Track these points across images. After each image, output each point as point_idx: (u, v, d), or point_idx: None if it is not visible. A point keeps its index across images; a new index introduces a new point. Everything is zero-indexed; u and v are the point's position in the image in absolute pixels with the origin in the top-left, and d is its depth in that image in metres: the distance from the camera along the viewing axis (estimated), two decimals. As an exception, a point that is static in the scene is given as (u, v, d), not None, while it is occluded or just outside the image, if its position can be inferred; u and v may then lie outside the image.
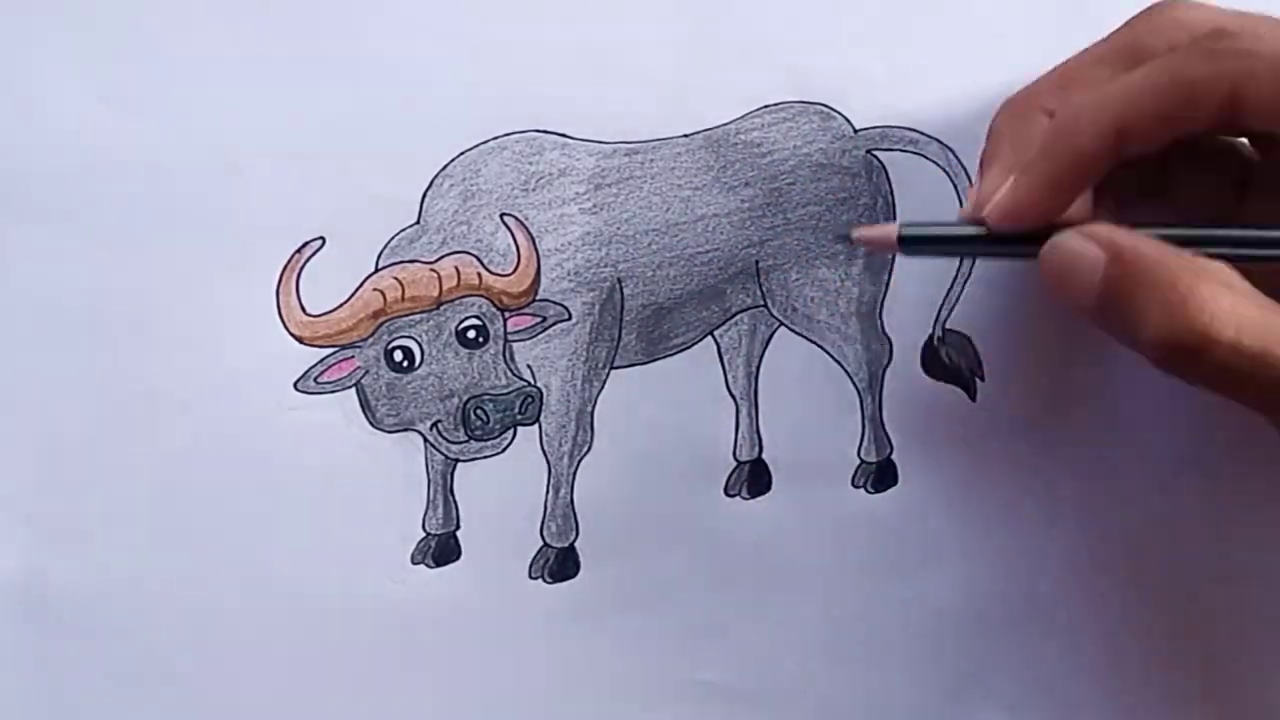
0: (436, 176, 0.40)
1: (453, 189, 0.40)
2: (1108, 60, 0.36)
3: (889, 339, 0.42)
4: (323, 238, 0.40)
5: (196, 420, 0.39)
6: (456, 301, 0.40)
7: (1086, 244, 0.34)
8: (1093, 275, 0.34)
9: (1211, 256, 0.34)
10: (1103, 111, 0.34)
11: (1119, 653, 0.43)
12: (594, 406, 0.41)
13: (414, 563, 0.40)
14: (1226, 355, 0.32)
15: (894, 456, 0.42)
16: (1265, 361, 0.32)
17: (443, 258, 0.40)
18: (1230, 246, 0.35)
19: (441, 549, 0.40)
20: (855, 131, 0.42)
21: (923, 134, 0.42)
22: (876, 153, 0.42)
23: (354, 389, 0.40)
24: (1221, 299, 0.32)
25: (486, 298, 0.40)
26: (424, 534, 0.40)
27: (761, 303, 0.42)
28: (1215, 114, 0.34)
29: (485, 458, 0.41)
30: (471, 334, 0.40)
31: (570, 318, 0.41)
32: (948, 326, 0.43)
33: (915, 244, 0.37)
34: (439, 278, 0.40)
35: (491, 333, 0.40)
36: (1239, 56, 0.33)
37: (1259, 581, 0.43)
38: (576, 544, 0.41)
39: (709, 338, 0.42)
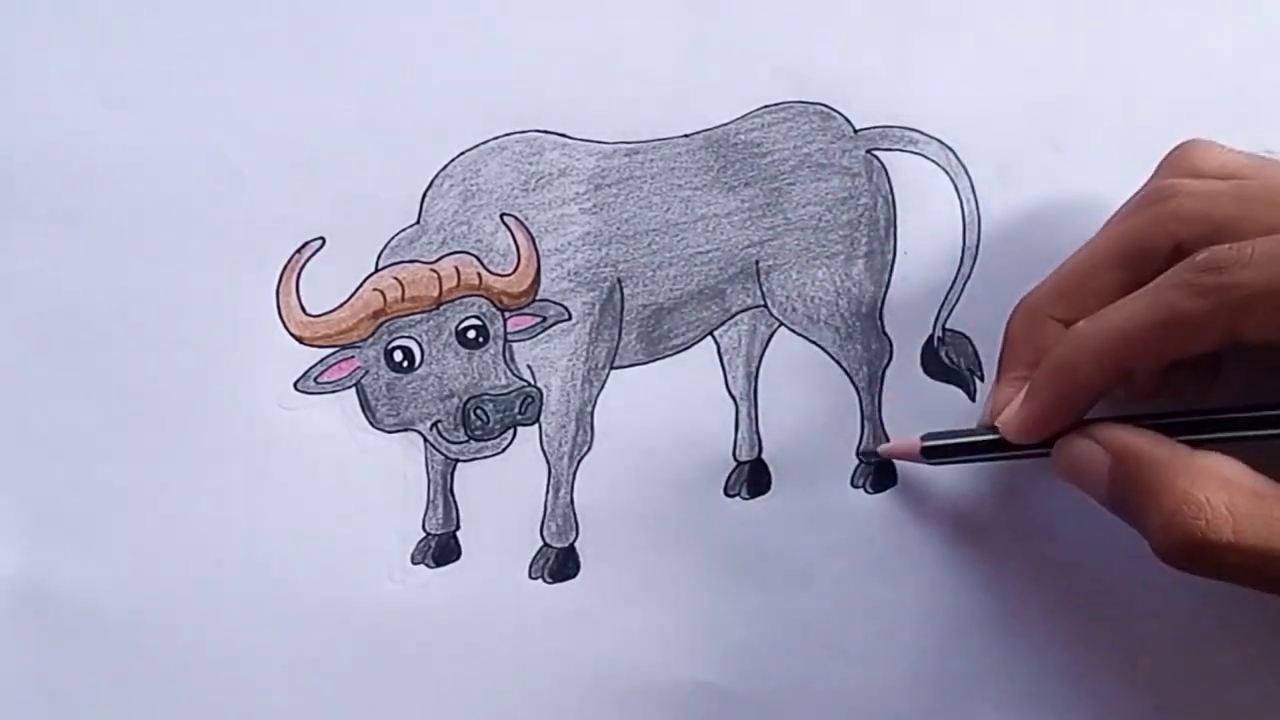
0: (436, 176, 0.40)
1: (453, 189, 0.40)
2: (1111, 265, 0.37)
3: (889, 339, 0.42)
4: (323, 238, 0.40)
5: (196, 420, 0.39)
6: (456, 301, 0.40)
7: (1093, 447, 0.36)
8: (1100, 474, 0.36)
9: (1214, 441, 0.35)
10: (1103, 350, 0.35)
11: (1120, 652, 0.43)
12: (594, 406, 0.41)
13: (414, 563, 0.40)
14: (1226, 555, 0.33)
15: (894, 456, 0.42)
16: (1267, 555, 0.33)
17: (443, 258, 0.40)
18: (1231, 430, 0.36)
19: (441, 549, 0.40)
20: (855, 131, 0.42)
21: (923, 134, 0.42)
22: (876, 153, 0.42)
23: (354, 389, 0.40)
24: (1217, 499, 0.33)
25: (486, 298, 0.40)
26: (424, 534, 0.40)
27: (761, 303, 0.42)
28: (1214, 344, 0.34)
29: (485, 458, 0.40)
30: (471, 334, 0.40)
31: (570, 318, 0.41)
32: (948, 326, 0.42)
33: (938, 453, 0.40)
34: (439, 278, 0.40)
35: (491, 333, 0.40)
36: (1231, 291, 0.33)
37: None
38: (576, 544, 0.41)
39: (709, 338, 0.42)
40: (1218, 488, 0.33)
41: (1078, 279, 0.38)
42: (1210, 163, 0.38)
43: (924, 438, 0.40)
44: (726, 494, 0.41)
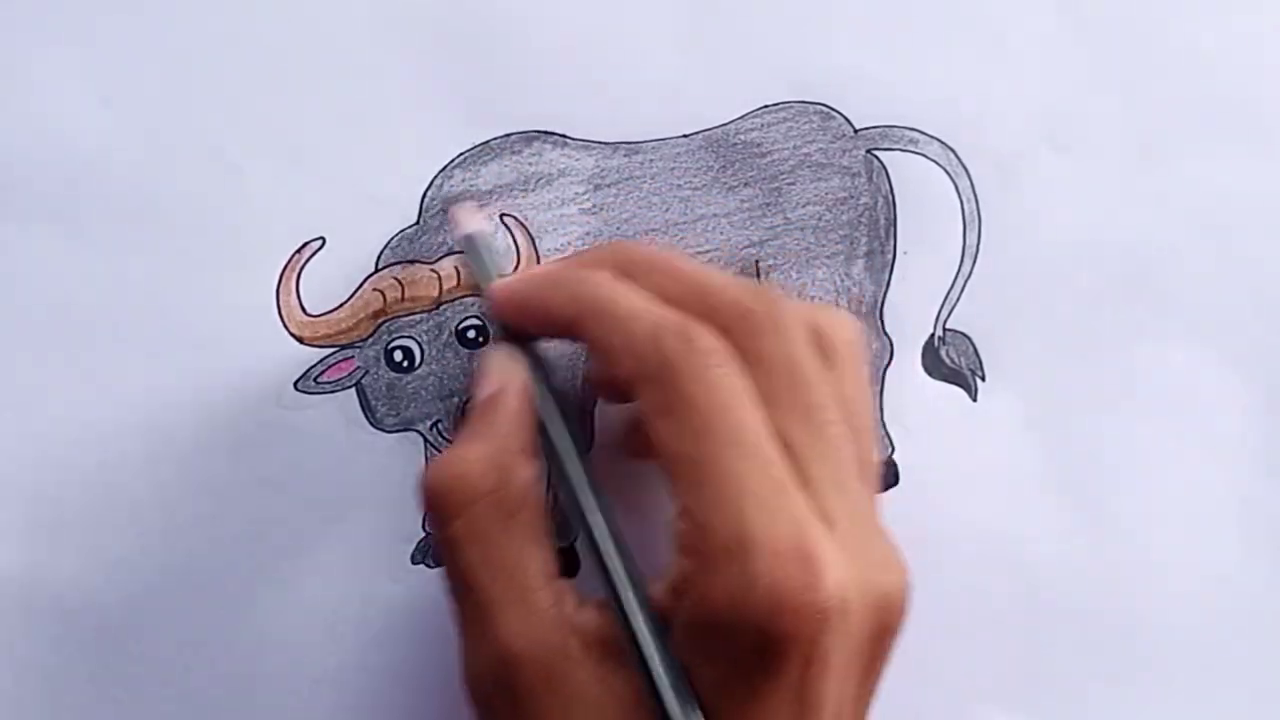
0: (436, 176, 0.40)
1: (453, 189, 0.40)
2: (685, 288, 0.36)
3: (889, 338, 0.42)
4: (323, 238, 0.40)
5: (196, 420, 0.39)
6: (456, 301, 0.40)
7: (500, 367, 0.36)
8: (481, 390, 0.36)
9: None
10: (572, 299, 0.35)
11: (1123, 651, 0.43)
12: (594, 406, 0.41)
13: (414, 563, 0.40)
14: (441, 531, 0.34)
15: (894, 456, 0.42)
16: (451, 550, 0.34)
17: (443, 258, 0.40)
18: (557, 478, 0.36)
19: (441, 549, 0.40)
20: (855, 131, 0.42)
21: (923, 133, 0.42)
22: (876, 152, 0.42)
23: (354, 389, 0.40)
24: (479, 484, 0.34)
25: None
26: (424, 534, 0.40)
27: (761, 303, 0.42)
28: (627, 384, 0.34)
29: (485, 457, 0.40)
30: (471, 334, 0.40)
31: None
32: (948, 326, 0.42)
33: (470, 249, 0.39)
34: (439, 278, 0.40)
35: (492, 333, 0.40)
36: (664, 364, 0.33)
37: (1267, 576, 0.43)
38: (576, 544, 0.41)
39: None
40: (493, 481, 0.34)
41: (660, 266, 0.36)
42: (840, 335, 0.36)
43: (477, 233, 0.39)
44: (726, 494, 0.41)
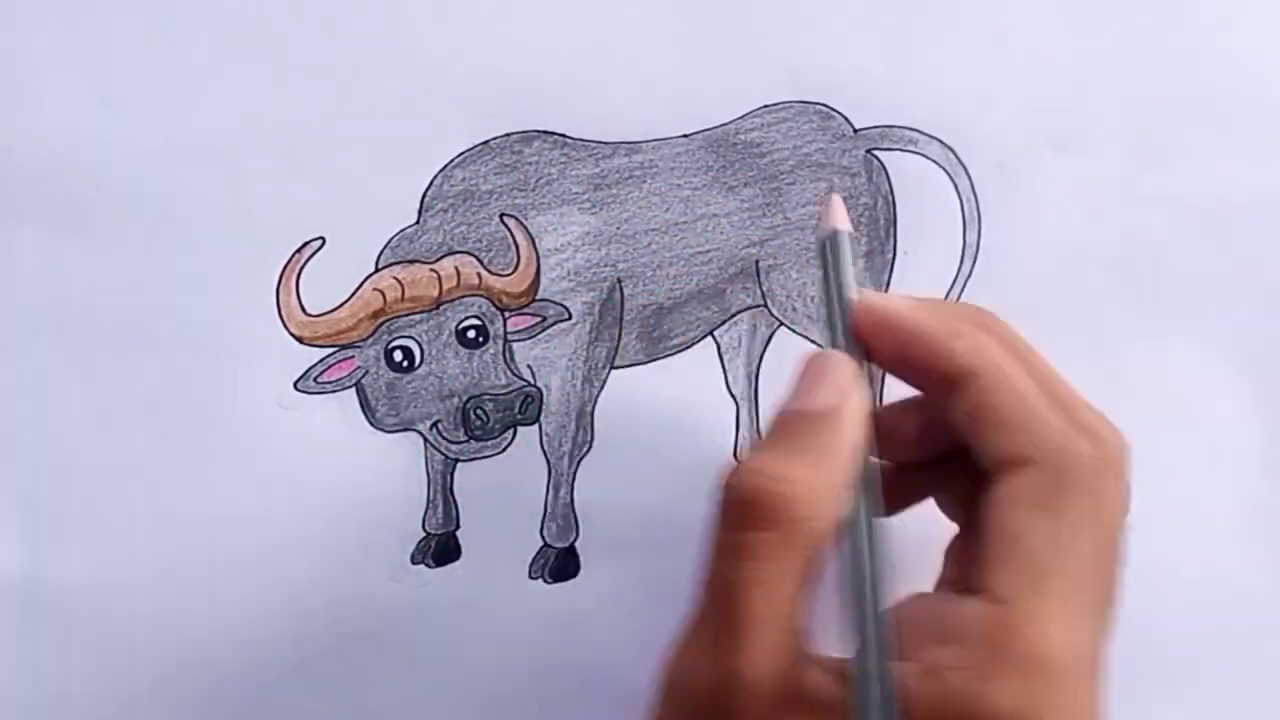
0: (436, 176, 0.40)
1: (452, 189, 0.40)
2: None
3: (889, 339, 0.42)
4: (323, 238, 0.40)
5: (196, 420, 0.39)
6: (456, 301, 0.40)
7: (846, 380, 0.33)
8: (815, 400, 0.33)
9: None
10: (966, 353, 0.34)
11: (1123, 651, 0.43)
12: (594, 406, 0.41)
13: (414, 563, 0.40)
14: (730, 528, 0.32)
15: (894, 456, 0.42)
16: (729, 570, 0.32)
17: (443, 258, 0.40)
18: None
19: (441, 549, 0.40)
20: (855, 131, 0.42)
21: (923, 133, 0.42)
22: (876, 152, 0.42)
23: (354, 389, 0.40)
24: (793, 506, 0.31)
25: (486, 298, 0.40)
26: (424, 534, 0.40)
27: (761, 303, 0.42)
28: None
29: (485, 458, 0.40)
30: (471, 334, 0.40)
31: (570, 318, 0.41)
32: (948, 326, 0.42)
33: (829, 251, 0.35)
34: (439, 278, 0.40)
35: (491, 333, 0.40)
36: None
37: (1267, 576, 0.43)
38: (576, 544, 0.41)
39: (709, 338, 0.42)
40: (810, 511, 0.31)
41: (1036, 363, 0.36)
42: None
43: (844, 233, 0.35)
44: (727, 494, 0.41)
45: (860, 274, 0.42)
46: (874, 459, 0.33)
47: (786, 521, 0.31)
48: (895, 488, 0.36)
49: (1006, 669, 0.30)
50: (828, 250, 0.35)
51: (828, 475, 0.32)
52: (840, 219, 0.35)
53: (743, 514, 0.31)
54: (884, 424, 0.35)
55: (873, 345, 0.34)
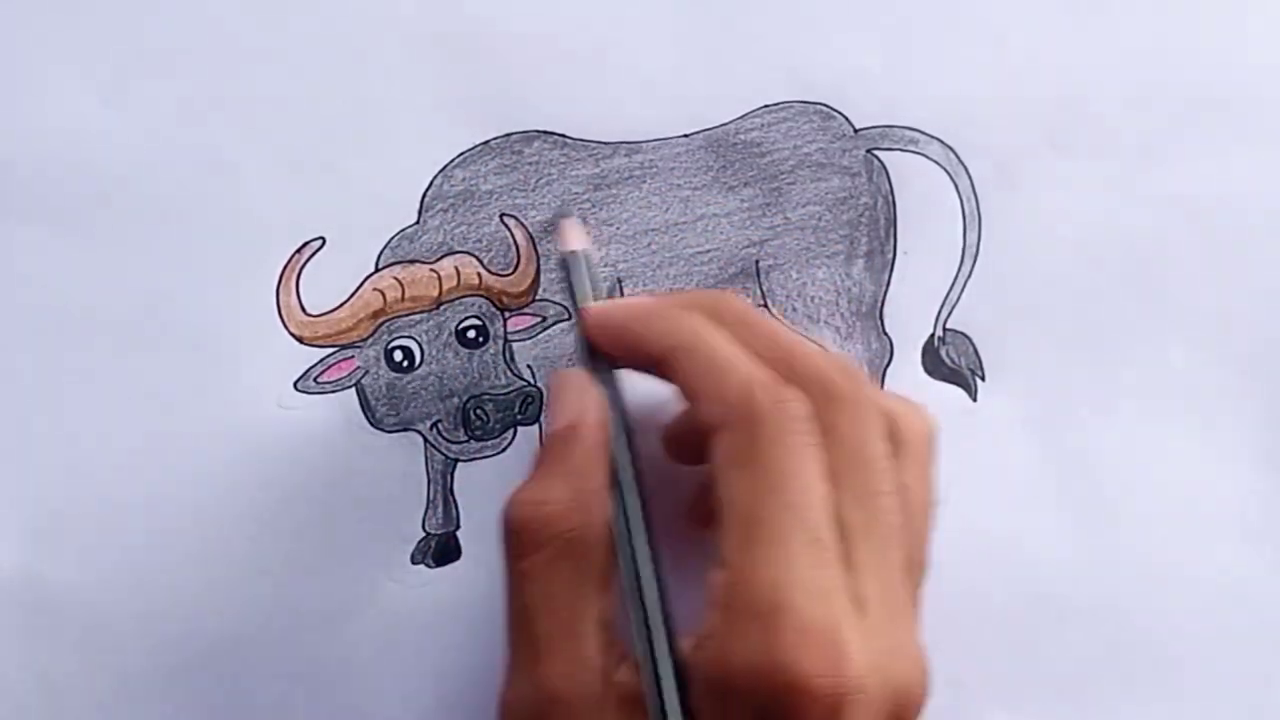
0: (436, 176, 0.40)
1: (452, 189, 0.40)
2: (771, 347, 0.36)
3: (889, 339, 0.42)
4: (323, 238, 0.40)
5: (196, 420, 0.39)
6: (456, 301, 0.40)
7: (582, 394, 0.36)
8: (565, 417, 0.36)
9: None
10: (665, 334, 0.35)
11: (1124, 651, 0.43)
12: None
13: (414, 563, 0.40)
14: (514, 564, 0.34)
15: (894, 456, 0.42)
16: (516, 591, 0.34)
17: (443, 258, 0.40)
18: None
19: (441, 549, 0.40)
20: (855, 131, 0.42)
21: (923, 133, 0.42)
22: (877, 152, 0.42)
23: (354, 389, 0.40)
24: (553, 524, 0.33)
25: (486, 298, 0.40)
26: (424, 534, 0.40)
27: (761, 303, 0.42)
28: (706, 428, 0.34)
29: (485, 458, 0.40)
30: (471, 334, 0.40)
31: (570, 318, 0.41)
32: (948, 326, 0.42)
33: (566, 269, 0.38)
34: (439, 278, 0.40)
35: (491, 333, 0.40)
36: (747, 415, 0.33)
37: (1267, 575, 0.43)
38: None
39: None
40: (570, 523, 0.34)
41: (757, 326, 0.36)
42: (912, 429, 0.36)
43: (584, 251, 0.38)
44: (726, 494, 0.41)
45: (861, 273, 0.42)
46: (626, 456, 0.35)
47: (551, 538, 0.33)
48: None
49: (740, 625, 0.31)
50: (570, 270, 0.38)
51: (580, 485, 0.34)
52: (573, 240, 0.39)
53: (517, 542, 0.34)
54: (675, 430, 0.38)
55: (605, 350, 0.36)
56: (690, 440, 0.37)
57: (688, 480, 0.38)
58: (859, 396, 0.34)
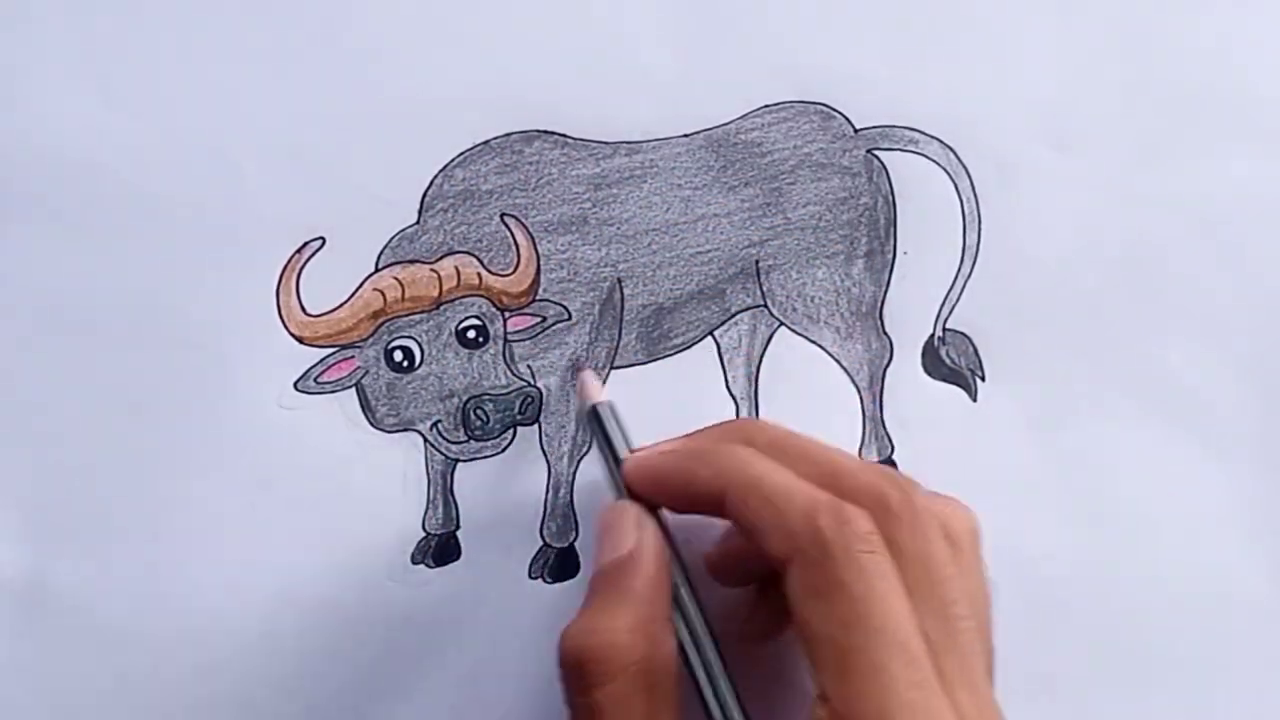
0: (436, 176, 0.40)
1: (453, 189, 0.40)
2: (820, 467, 0.36)
3: (889, 339, 0.42)
4: (323, 238, 0.40)
5: (196, 420, 0.39)
6: (456, 301, 0.40)
7: (630, 530, 0.35)
8: (610, 553, 0.35)
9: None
10: (718, 474, 0.35)
11: (1124, 650, 0.43)
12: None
13: (414, 563, 0.40)
14: (580, 698, 0.33)
15: (894, 456, 0.42)
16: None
17: (443, 258, 0.40)
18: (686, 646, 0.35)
19: (441, 549, 0.40)
20: (855, 131, 0.42)
21: (923, 133, 0.42)
22: (877, 152, 0.42)
23: (354, 389, 0.40)
24: (622, 655, 0.33)
25: (486, 298, 0.40)
26: (424, 534, 0.40)
27: (761, 303, 0.42)
28: (776, 563, 0.34)
29: (485, 458, 0.40)
30: (471, 334, 0.40)
31: (570, 318, 0.41)
32: (948, 326, 0.42)
33: (594, 423, 0.38)
34: (439, 278, 0.40)
35: (491, 333, 0.40)
36: (818, 544, 0.33)
37: (1267, 575, 0.43)
38: (576, 544, 0.41)
39: (709, 338, 0.42)
40: (638, 654, 0.33)
41: (793, 445, 0.37)
42: (960, 526, 0.36)
43: (606, 404, 0.38)
44: (726, 494, 0.41)
45: (861, 273, 0.42)
46: (684, 582, 0.35)
47: (621, 669, 0.33)
48: (768, 613, 0.37)
49: None
50: (592, 424, 0.38)
51: (644, 612, 0.34)
52: (594, 393, 0.39)
53: (582, 675, 0.33)
54: (723, 556, 0.38)
55: (651, 499, 0.36)
56: (736, 565, 0.37)
57: (733, 600, 0.38)
58: (915, 506, 0.34)
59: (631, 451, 0.37)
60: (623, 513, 0.36)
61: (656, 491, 0.36)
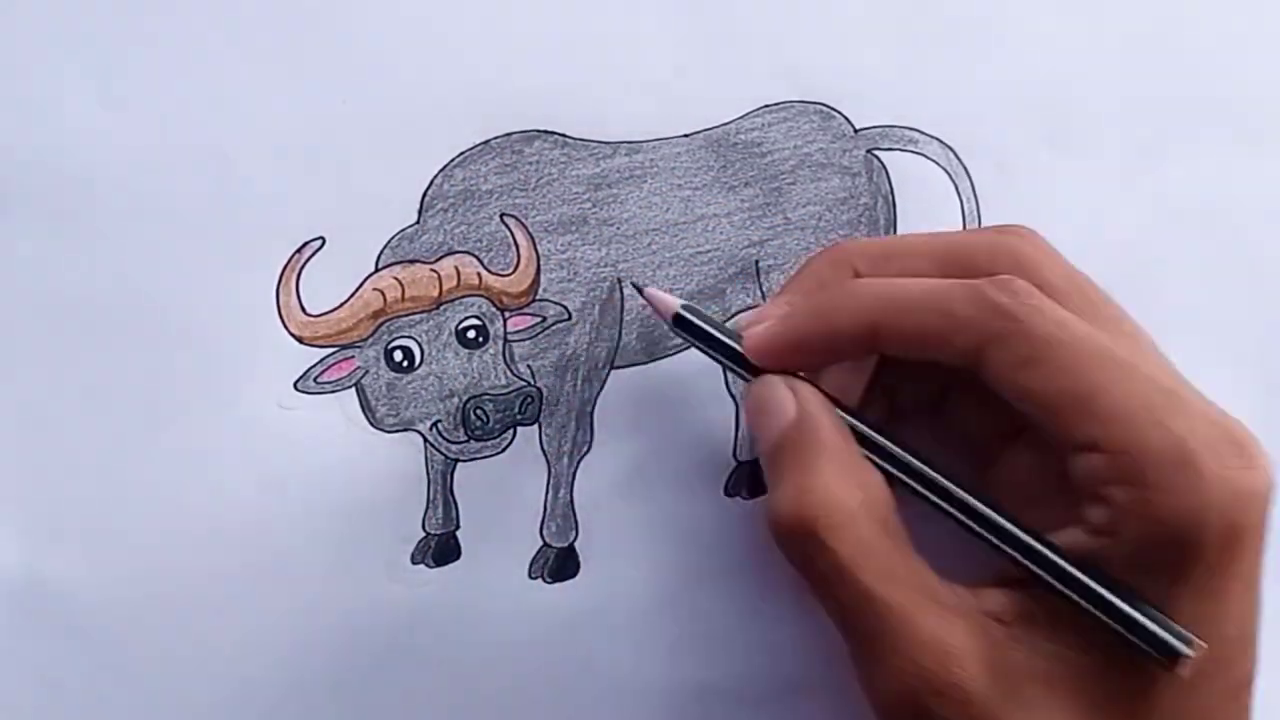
0: (436, 176, 0.40)
1: (452, 189, 0.40)
2: (935, 255, 0.36)
3: (889, 339, 0.42)
4: (323, 238, 0.40)
5: (196, 420, 0.39)
6: (456, 301, 0.40)
7: (787, 394, 0.35)
8: (779, 423, 0.35)
9: (905, 484, 0.35)
10: (866, 307, 0.35)
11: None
12: (594, 406, 0.41)
13: (414, 563, 0.40)
14: (823, 558, 0.33)
15: (894, 456, 0.42)
16: (845, 572, 0.33)
17: (443, 258, 0.40)
18: (919, 482, 0.35)
19: (441, 549, 0.40)
20: (855, 131, 0.42)
21: (923, 133, 0.42)
22: (877, 152, 0.42)
23: (354, 389, 0.40)
24: (843, 501, 0.33)
25: (486, 298, 0.40)
26: (424, 534, 0.40)
27: (761, 302, 0.42)
28: (963, 356, 0.34)
29: (485, 458, 0.40)
30: (471, 334, 0.40)
31: (570, 318, 0.41)
32: (948, 326, 0.42)
33: (685, 326, 0.37)
34: (439, 278, 0.40)
35: (491, 333, 0.40)
36: (1001, 316, 0.33)
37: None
38: (576, 544, 0.41)
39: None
40: (854, 495, 0.33)
41: (895, 249, 0.37)
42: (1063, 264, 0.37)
43: (684, 305, 0.37)
44: (726, 494, 0.41)
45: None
46: (859, 422, 0.35)
47: (849, 516, 0.33)
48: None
49: (1162, 483, 0.32)
50: (684, 330, 0.37)
51: (843, 459, 0.34)
52: (670, 301, 0.37)
53: (811, 536, 0.33)
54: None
55: (789, 367, 0.36)
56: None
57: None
58: (1037, 244, 0.35)
59: (740, 335, 0.36)
60: (768, 386, 0.35)
61: (797, 357, 0.36)
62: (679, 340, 0.42)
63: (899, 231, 0.42)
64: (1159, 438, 0.31)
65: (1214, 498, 0.31)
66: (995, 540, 0.34)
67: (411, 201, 0.40)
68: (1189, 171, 0.43)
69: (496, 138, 0.41)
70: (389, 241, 0.40)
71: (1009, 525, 0.34)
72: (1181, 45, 0.44)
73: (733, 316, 0.42)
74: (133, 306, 0.39)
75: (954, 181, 0.42)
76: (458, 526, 0.40)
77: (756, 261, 0.42)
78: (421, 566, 0.40)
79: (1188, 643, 0.32)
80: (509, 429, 0.41)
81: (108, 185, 0.39)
